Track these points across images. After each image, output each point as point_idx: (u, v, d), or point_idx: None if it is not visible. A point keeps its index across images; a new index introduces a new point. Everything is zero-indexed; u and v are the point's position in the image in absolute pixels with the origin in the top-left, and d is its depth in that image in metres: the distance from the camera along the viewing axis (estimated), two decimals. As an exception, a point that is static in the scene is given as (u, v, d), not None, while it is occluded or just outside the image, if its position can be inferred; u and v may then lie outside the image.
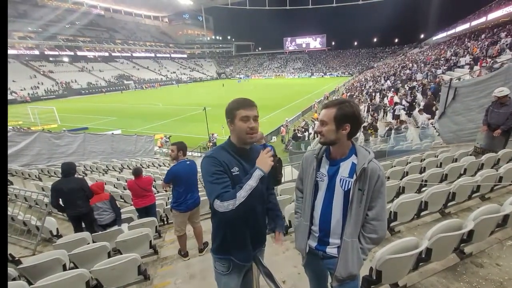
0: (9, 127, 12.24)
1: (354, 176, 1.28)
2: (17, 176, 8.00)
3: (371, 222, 1.31)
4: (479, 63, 14.34)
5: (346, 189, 1.32)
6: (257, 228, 1.58)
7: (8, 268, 2.55)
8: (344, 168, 1.34)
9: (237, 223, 1.46)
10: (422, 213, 3.23)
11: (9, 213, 4.69)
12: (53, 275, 2.26)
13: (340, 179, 1.34)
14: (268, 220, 1.74)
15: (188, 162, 3.31)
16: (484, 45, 18.45)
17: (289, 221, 3.31)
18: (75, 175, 4.13)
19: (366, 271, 1.99)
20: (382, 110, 15.74)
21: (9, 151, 8.41)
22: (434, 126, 8.08)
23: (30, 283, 2.21)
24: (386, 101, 17.55)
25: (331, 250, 1.41)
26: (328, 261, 1.42)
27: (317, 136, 1.48)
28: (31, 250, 3.93)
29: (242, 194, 1.28)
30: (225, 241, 1.52)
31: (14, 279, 2.49)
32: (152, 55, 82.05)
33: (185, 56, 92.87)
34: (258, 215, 1.56)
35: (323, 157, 1.43)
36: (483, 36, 24.02)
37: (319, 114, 1.41)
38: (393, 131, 10.47)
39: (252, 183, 1.31)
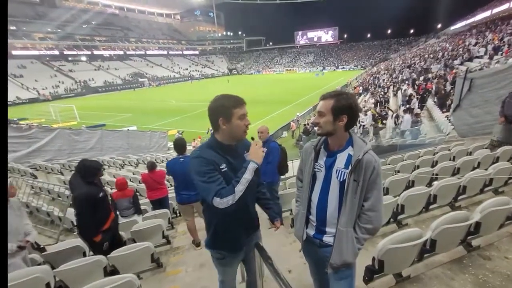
0: (33, 124, 12.89)
1: (349, 168, 1.32)
2: (41, 171, 8.48)
3: (366, 213, 1.35)
4: (504, 51, 13.56)
5: (341, 180, 1.36)
6: (248, 217, 1.63)
7: (34, 255, 2.82)
8: (341, 159, 1.38)
9: (228, 217, 1.48)
10: (431, 207, 3.20)
11: (33, 204, 5.03)
12: (74, 261, 2.44)
13: (336, 170, 1.38)
14: (269, 211, 1.80)
15: (181, 160, 3.24)
16: (506, 34, 17.44)
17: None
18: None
19: (369, 261, 2.03)
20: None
21: (33, 147, 8.95)
22: (449, 119, 7.82)
23: (53, 268, 2.40)
24: (399, 94, 17.03)
25: (327, 239, 1.46)
26: (325, 249, 1.48)
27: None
28: (54, 239, 4.21)
29: (240, 188, 1.33)
30: (215, 235, 1.58)
31: (39, 264, 2.71)
32: (165, 52, 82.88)
33: (196, 52, 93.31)
34: (248, 205, 1.60)
35: (321, 149, 1.47)
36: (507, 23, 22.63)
37: None
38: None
39: (247, 176, 1.35)
